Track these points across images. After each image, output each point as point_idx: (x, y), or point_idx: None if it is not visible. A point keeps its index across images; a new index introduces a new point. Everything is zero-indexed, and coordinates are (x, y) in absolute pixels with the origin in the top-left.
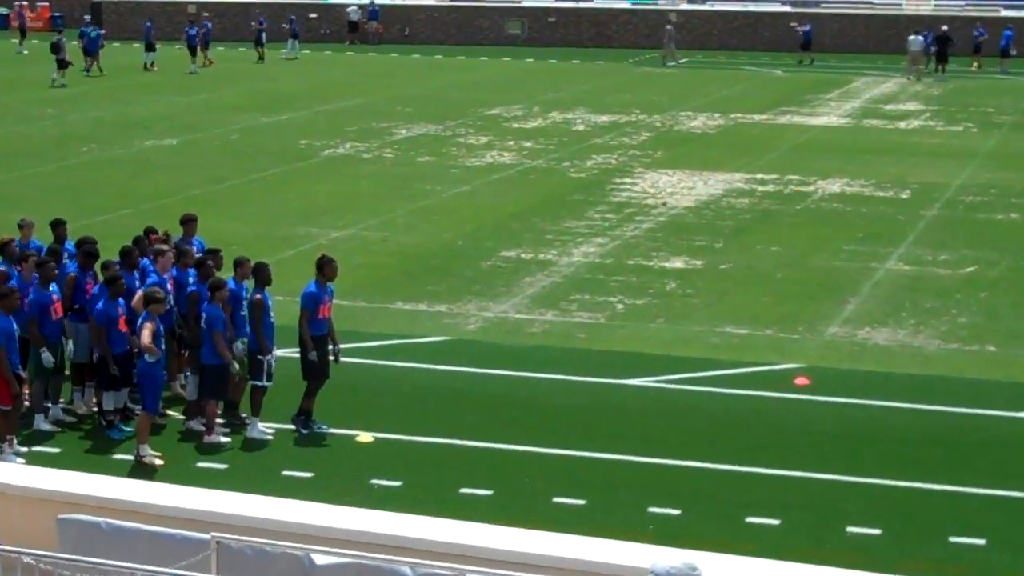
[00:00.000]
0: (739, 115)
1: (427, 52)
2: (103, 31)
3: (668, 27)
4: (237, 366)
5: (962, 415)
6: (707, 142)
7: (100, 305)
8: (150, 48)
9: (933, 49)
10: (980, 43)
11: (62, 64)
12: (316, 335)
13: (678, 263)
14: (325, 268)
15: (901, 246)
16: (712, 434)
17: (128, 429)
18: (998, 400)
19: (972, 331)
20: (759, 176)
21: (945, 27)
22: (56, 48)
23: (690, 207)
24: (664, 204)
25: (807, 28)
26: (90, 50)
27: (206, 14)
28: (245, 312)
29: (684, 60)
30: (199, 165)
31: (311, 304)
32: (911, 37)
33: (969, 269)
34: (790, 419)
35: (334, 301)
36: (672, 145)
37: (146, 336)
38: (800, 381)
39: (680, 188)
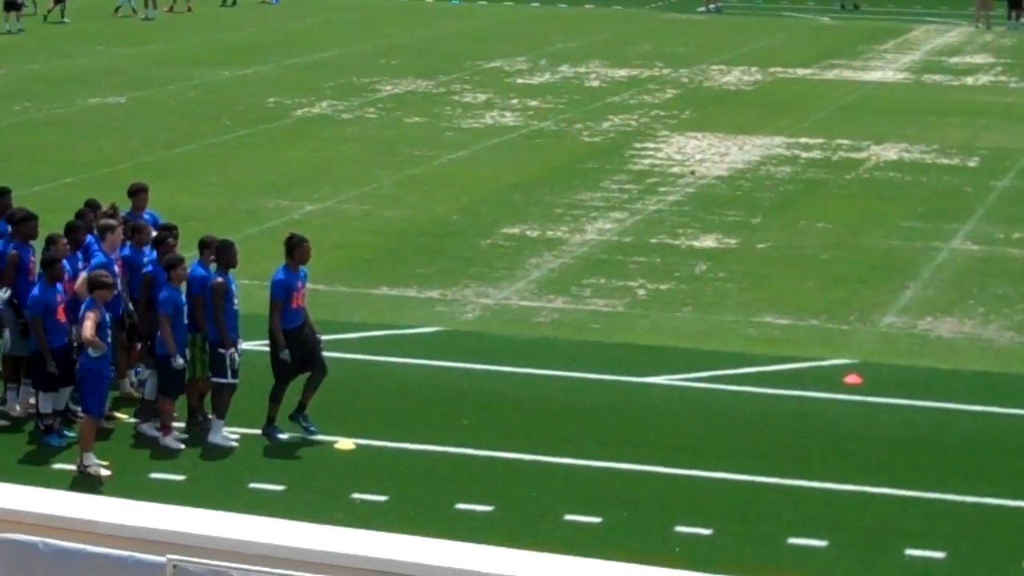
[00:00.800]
0: (779, 69)
1: None
2: None
3: None
4: (181, 360)
5: None
6: (742, 101)
7: (35, 291)
8: None
9: None
10: None
11: (11, 6)
12: (289, 328)
13: (709, 242)
14: (295, 250)
15: (968, 222)
16: (748, 441)
17: (70, 435)
18: None
19: None
20: (803, 141)
21: None
22: None
23: (723, 176)
24: (693, 173)
25: None
26: None
27: None
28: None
29: (720, 3)
30: (151, 127)
31: (281, 293)
32: None
33: None
34: (839, 424)
35: (308, 286)
36: (702, 104)
37: (88, 328)
38: (851, 379)
39: (711, 154)
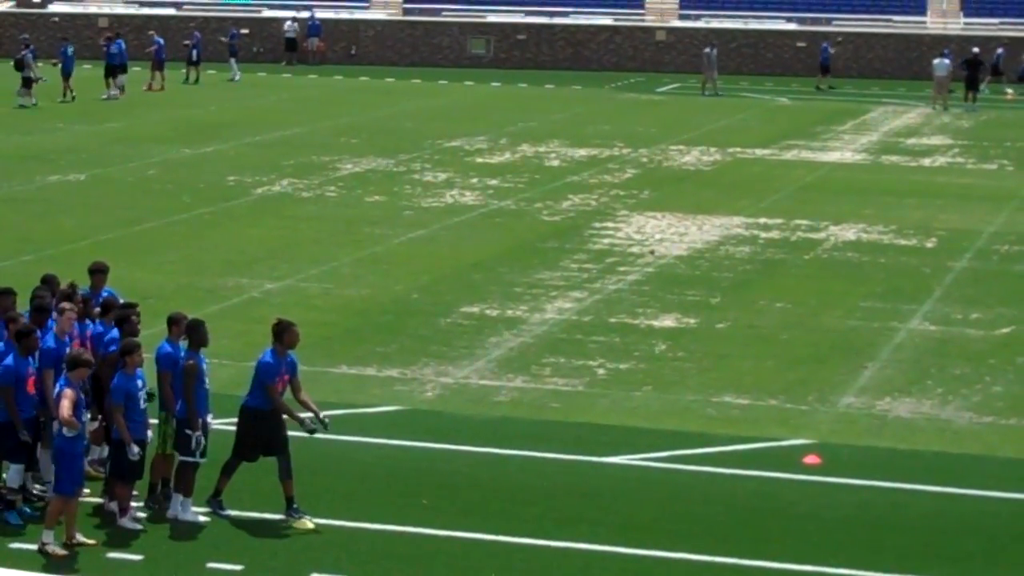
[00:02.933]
0: (738, 149)
1: (376, 74)
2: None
3: (707, 50)
4: (136, 449)
5: (998, 500)
6: (701, 181)
7: (9, 361)
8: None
9: (963, 74)
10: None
11: (28, 82)
12: (261, 408)
13: (668, 321)
14: (284, 335)
15: (926, 303)
16: (707, 522)
17: (32, 512)
18: None
19: (1009, 402)
20: (762, 221)
21: (976, 49)
22: (20, 65)
23: (682, 256)
24: (652, 253)
25: (825, 46)
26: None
27: (123, 29)
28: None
29: (714, 90)
30: (111, 205)
31: (271, 376)
32: (936, 60)
33: (1005, 330)
34: (798, 504)
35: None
36: (661, 184)
37: (66, 407)
38: (810, 460)
39: (670, 234)
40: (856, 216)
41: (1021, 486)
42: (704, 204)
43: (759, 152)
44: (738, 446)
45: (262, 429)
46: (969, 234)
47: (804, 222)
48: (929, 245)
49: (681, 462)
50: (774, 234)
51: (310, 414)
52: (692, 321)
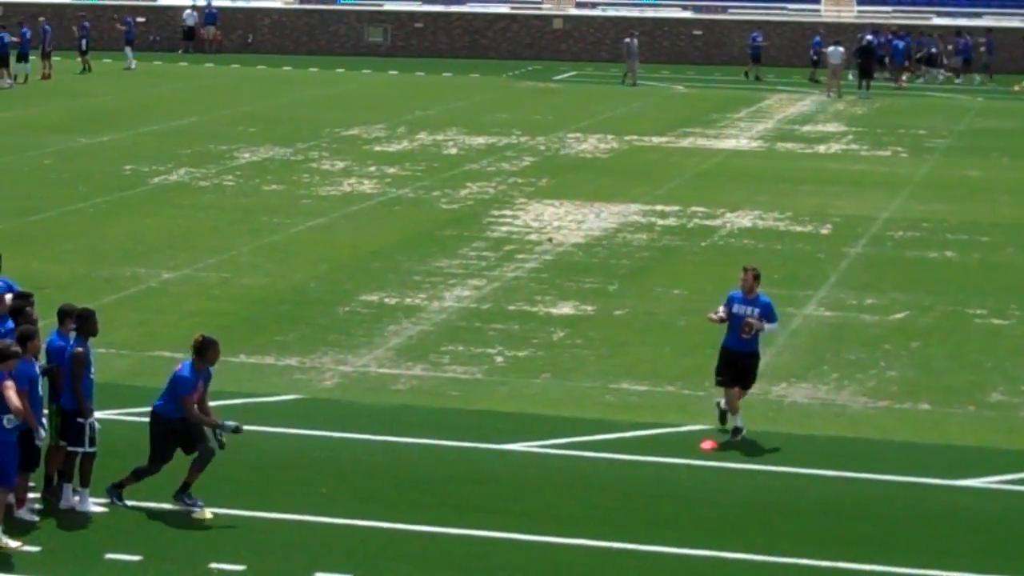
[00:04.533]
0: (635, 137)
1: (274, 63)
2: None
3: (628, 40)
4: (43, 433)
5: (892, 483)
6: (599, 168)
7: None
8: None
9: (857, 61)
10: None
11: None
12: (177, 418)
13: (566, 309)
14: (208, 351)
15: (821, 289)
16: (605, 507)
17: None
18: (933, 466)
19: (903, 387)
20: (659, 208)
21: (869, 36)
22: None
23: (580, 244)
24: (550, 240)
25: (755, 36)
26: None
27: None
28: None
29: (633, 80)
30: (6, 195)
31: (188, 389)
32: (830, 48)
33: (899, 315)
34: (695, 489)
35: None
36: (559, 172)
37: (13, 396)
38: (707, 445)
39: (568, 222)
40: (752, 203)
41: (915, 470)
42: (601, 192)
43: (656, 140)
44: (636, 432)
45: (177, 430)
46: (863, 220)
47: (700, 209)
48: (824, 231)
49: (580, 449)
50: (671, 221)
51: (230, 422)
52: (590, 308)
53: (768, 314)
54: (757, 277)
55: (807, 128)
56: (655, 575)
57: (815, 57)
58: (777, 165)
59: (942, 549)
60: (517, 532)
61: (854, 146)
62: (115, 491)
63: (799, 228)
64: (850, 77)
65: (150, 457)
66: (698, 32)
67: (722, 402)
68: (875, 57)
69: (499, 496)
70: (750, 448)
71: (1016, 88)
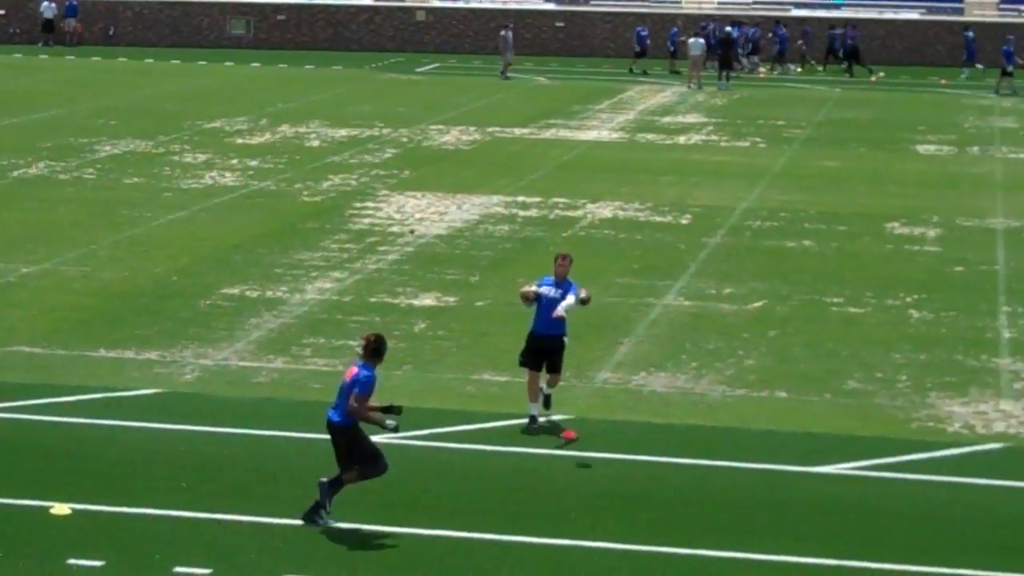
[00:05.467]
0: (497, 129)
1: (135, 55)
2: None
3: (503, 33)
4: None
5: (751, 471)
6: (461, 160)
7: None
8: None
9: (718, 52)
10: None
11: None
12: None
13: (428, 300)
14: (385, 351)
15: (681, 279)
16: (469, 499)
17: None
18: (790, 453)
19: (761, 375)
20: (520, 199)
21: (729, 28)
22: None
23: (442, 235)
24: (412, 232)
25: (639, 31)
26: None
27: None
28: None
29: (511, 73)
30: None
31: (369, 390)
32: (691, 40)
33: (757, 304)
34: (557, 479)
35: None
36: (421, 164)
37: None
38: (567, 435)
39: (430, 213)
40: (613, 194)
41: (773, 457)
42: (464, 183)
43: (518, 131)
44: (497, 423)
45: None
46: (723, 210)
47: (562, 200)
48: (684, 221)
49: (441, 440)
50: (532, 212)
51: (391, 421)
52: (452, 300)
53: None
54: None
55: (668, 119)
56: (518, 566)
57: (672, 48)
58: (638, 156)
59: (799, 535)
60: (380, 523)
61: (714, 137)
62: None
63: (659, 218)
64: (710, 69)
65: (367, 467)
66: (560, 24)
67: (545, 386)
68: (735, 48)
69: (362, 488)
70: (610, 437)
71: (873, 79)
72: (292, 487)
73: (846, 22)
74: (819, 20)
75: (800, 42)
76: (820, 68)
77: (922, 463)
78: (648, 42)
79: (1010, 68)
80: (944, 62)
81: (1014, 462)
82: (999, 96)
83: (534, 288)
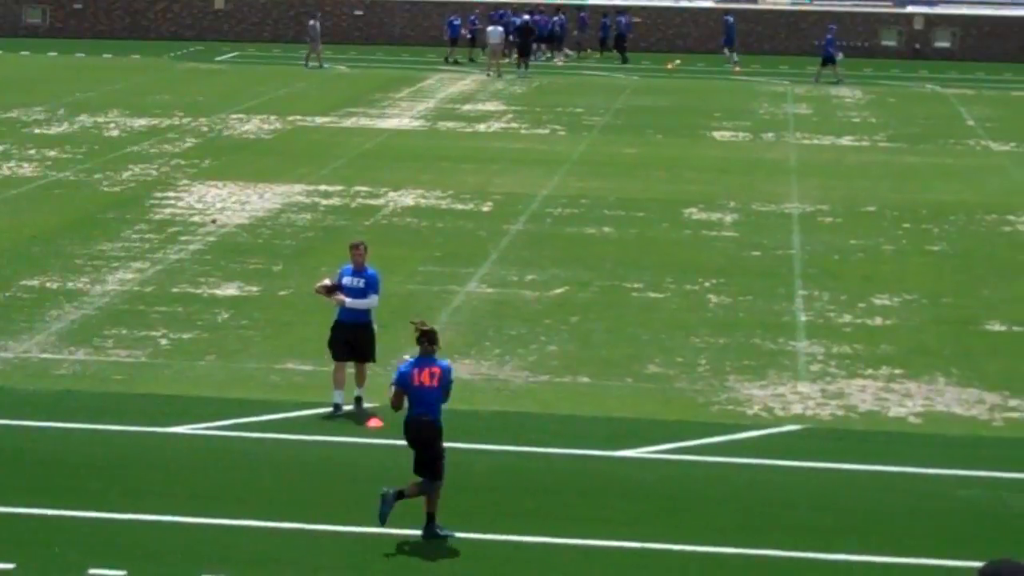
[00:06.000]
0: (298, 117)
1: None
2: None
3: (312, 23)
4: None
5: (554, 456)
6: (262, 149)
7: None
8: None
9: (516, 41)
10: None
11: None
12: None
13: (231, 290)
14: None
15: (483, 266)
16: (275, 489)
17: None
18: (592, 437)
19: (563, 360)
20: (322, 188)
21: (527, 16)
22: None
23: (244, 225)
24: (214, 222)
25: (455, 20)
26: None
27: None
28: None
29: (319, 62)
30: None
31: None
32: (490, 28)
33: (559, 291)
34: (363, 467)
35: None
36: (221, 153)
37: None
38: (373, 423)
39: (232, 203)
40: (414, 182)
41: (576, 442)
42: (265, 172)
43: (319, 120)
44: (302, 412)
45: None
46: (523, 198)
47: (364, 189)
48: (485, 209)
49: (246, 430)
50: (335, 201)
51: None
52: (255, 289)
53: (373, 284)
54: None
55: (468, 107)
56: (323, 555)
57: (469, 36)
58: (439, 144)
59: (604, 519)
60: (185, 515)
61: (514, 125)
62: (431, 526)
63: (461, 206)
64: (509, 57)
65: (437, 471)
66: (359, 13)
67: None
68: (533, 36)
69: (166, 479)
70: None
71: (670, 66)
72: (97, 480)
73: (618, 10)
74: (592, 8)
75: (576, 32)
76: (597, 55)
77: (722, 446)
78: (461, 31)
79: (839, 56)
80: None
81: (811, 443)
82: (816, 84)
83: (327, 282)
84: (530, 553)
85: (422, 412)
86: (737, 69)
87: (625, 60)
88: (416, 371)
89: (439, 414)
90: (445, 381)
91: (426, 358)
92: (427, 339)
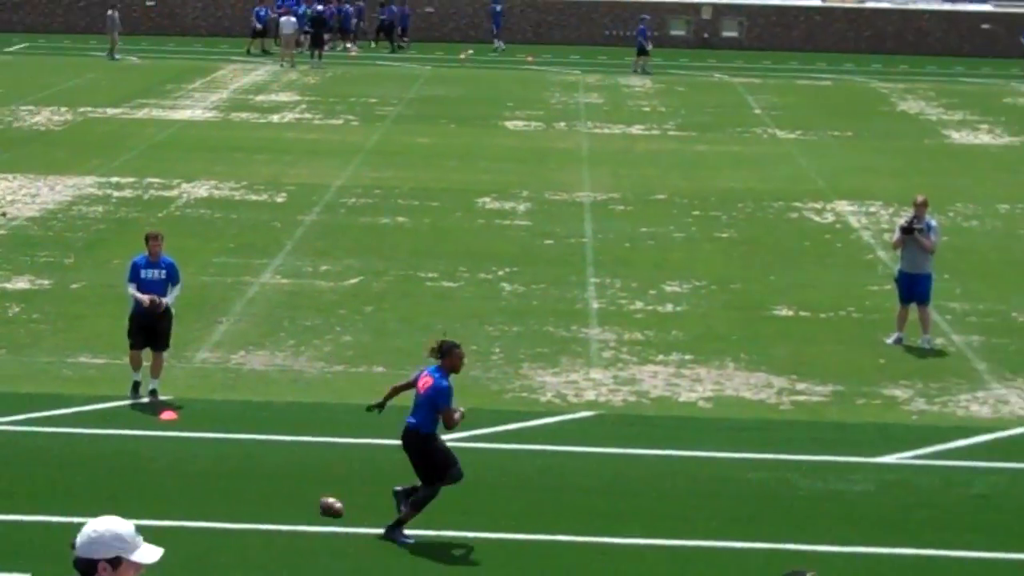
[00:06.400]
0: (89, 109)
1: None
2: None
3: (110, 12)
4: None
5: (349, 446)
6: (52, 141)
7: None
8: None
9: (309, 31)
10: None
11: None
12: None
13: (21, 284)
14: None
15: (278, 257)
16: (68, 483)
17: None
18: (389, 428)
19: (358, 351)
20: (114, 180)
21: (320, 7)
22: None
23: (34, 217)
24: (4, 215)
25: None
26: None
27: None
28: None
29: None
30: None
31: (448, 400)
32: (283, 18)
33: (353, 281)
34: (158, 460)
35: None
36: (11, 145)
37: None
38: (166, 415)
39: (22, 195)
40: (208, 173)
41: (371, 432)
42: (56, 164)
43: (111, 111)
44: (95, 406)
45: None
46: (318, 188)
47: (157, 180)
48: (279, 200)
49: (39, 424)
50: (127, 193)
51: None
52: (46, 282)
53: (173, 275)
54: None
55: (261, 98)
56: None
57: (259, 27)
58: (233, 135)
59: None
60: None
61: (307, 115)
62: (396, 530)
63: (255, 197)
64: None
65: (426, 478)
66: (151, 3)
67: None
68: (326, 26)
69: None
70: (210, 417)
71: (463, 56)
72: None
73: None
74: None
75: (355, 20)
76: (372, 44)
77: (516, 432)
78: (268, 21)
79: (649, 48)
80: (527, 39)
81: (603, 429)
82: (637, 74)
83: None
84: (319, 544)
85: (409, 419)
86: (502, 47)
87: (395, 49)
88: (421, 378)
89: (422, 421)
90: (431, 392)
91: (431, 368)
92: (437, 349)
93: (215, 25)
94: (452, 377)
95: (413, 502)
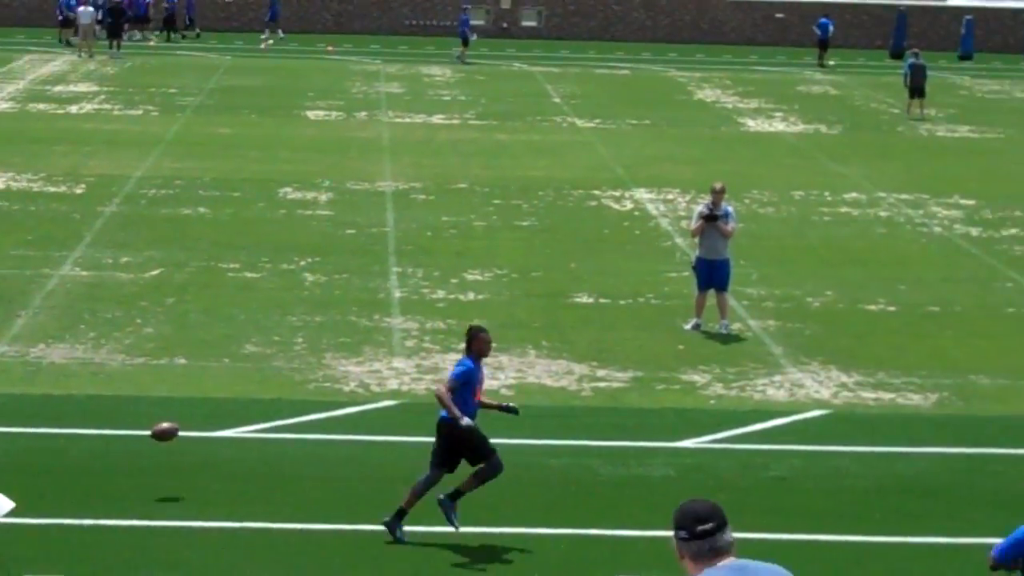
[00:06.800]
0: None
1: None
2: None
3: None
4: None
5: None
6: None
7: None
8: None
9: (107, 21)
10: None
11: None
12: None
13: None
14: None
15: (77, 249)
16: None
17: None
18: (191, 419)
19: (159, 343)
20: None
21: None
22: None
23: None
24: None
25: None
26: None
27: None
28: None
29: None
30: None
31: (464, 378)
32: (81, 8)
33: (154, 272)
34: None
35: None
36: None
37: None
38: None
39: None
40: (5, 164)
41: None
42: None
43: None
44: None
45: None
46: (118, 179)
47: None
48: (79, 191)
49: None
50: None
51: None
52: None
53: None
54: None
55: (59, 88)
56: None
57: (61, 17)
58: (30, 126)
59: (205, 500)
60: None
61: (107, 106)
62: (396, 521)
63: (53, 188)
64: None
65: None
66: None
67: None
68: (124, 16)
69: None
70: (9, 411)
71: (263, 46)
72: None
73: None
74: None
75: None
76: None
77: (319, 423)
78: (58, 14)
79: (473, 38)
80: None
81: (407, 418)
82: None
83: None
84: (128, 537)
85: (441, 412)
86: (271, 42)
87: (170, 39)
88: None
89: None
90: (451, 375)
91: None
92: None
93: (10, 16)
94: (483, 362)
95: (477, 474)
